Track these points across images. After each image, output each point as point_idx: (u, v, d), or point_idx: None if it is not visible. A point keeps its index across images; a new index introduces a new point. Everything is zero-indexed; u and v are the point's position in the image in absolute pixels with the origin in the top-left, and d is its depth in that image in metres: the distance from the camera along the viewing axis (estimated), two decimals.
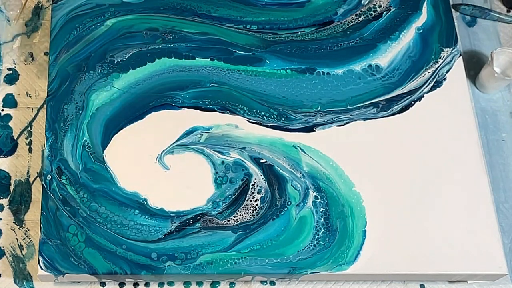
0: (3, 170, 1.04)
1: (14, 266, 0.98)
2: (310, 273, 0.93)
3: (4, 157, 1.05)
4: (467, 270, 0.94)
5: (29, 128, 1.07)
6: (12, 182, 1.03)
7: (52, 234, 0.92)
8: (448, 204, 0.98)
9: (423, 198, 0.98)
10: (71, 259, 0.91)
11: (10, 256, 0.99)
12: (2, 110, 1.09)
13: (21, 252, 0.99)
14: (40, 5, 1.17)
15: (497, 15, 1.23)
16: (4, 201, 1.02)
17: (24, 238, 1.00)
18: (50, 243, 0.91)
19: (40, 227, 0.92)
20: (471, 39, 1.21)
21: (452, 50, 1.10)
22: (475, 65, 1.17)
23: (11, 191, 1.03)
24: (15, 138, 1.06)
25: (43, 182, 0.95)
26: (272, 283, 1.00)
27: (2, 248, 0.99)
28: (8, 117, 1.08)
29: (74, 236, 0.92)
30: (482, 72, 1.13)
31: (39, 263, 0.90)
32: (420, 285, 1.00)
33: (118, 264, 0.91)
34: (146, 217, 0.94)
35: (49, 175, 0.95)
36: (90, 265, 0.91)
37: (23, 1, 1.16)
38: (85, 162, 0.96)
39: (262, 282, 0.99)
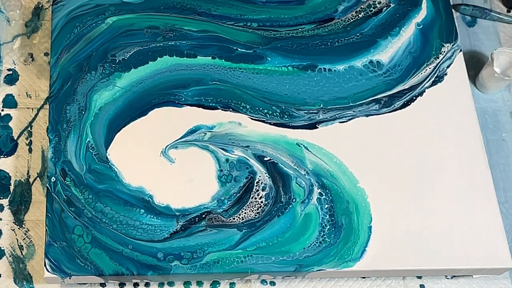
0: (3, 171, 1.04)
1: (14, 266, 0.98)
2: (316, 271, 0.93)
3: (4, 157, 1.05)
4: (473, 265, 0.95)
5: (29, 129, 1.06)
6: (12, 182, 1.03)
7: (58, 236, 0.91)
8: (452, 197, 0.99)
9: (427, 192, 0.99)
10: (77, 261, 0.90)
11: (10, 256, 0.98)
12: (2, 110, 1.08)
13: (21, 252, 0.99)
14: (40, 5, 1.16)
15: (497, 15, 1.23)
16: (4, 201, 1.02)
17: (24, 238, 0.99)
18: (56, 245, 0.91)
19: (46, 230, 0.92)
20: (471, 39, 1.21)
21: (452, 45, 1.11)
22: (475, 65, 1.17)
23: (11, 191, 1.02)
24: (15, 138, 1.06)
25: (47, 185, 0.94)
26: (272, 283, 0.99)
27: (2, 248, 0.99)
28: (8, 117, 1.08)
29: (80, 238, 0.91)
30: (482, 72, 1.14)
31: (45, 265, 0.90)
32: (420, 285, 1.01)
33: (125, 265, 0.90)
34: (152, 216, 0.94)
35: (53, 177, 0.95)
36: (96, 266, 0.90)
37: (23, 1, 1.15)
38: (89, 163, 0.96)
39: (262, 282, 0.99)
